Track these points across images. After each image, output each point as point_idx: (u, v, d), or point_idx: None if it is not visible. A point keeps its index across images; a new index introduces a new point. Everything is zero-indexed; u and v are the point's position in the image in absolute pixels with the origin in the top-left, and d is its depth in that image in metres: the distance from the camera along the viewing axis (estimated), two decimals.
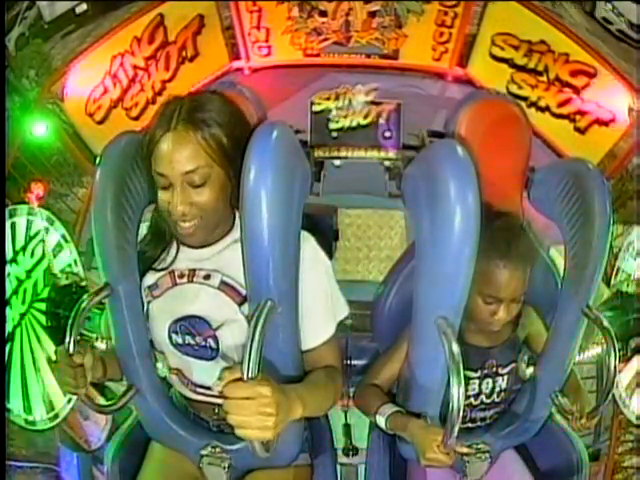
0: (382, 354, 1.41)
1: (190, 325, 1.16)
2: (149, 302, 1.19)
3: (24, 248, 2.42)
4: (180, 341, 1.18)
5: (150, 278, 1.19)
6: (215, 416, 1.23)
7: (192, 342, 1.17)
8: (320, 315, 1.15)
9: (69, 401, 2.30)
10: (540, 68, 3.33)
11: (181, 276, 1.17)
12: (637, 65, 3.04)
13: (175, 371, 1.22)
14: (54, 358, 1.09)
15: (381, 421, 1.23)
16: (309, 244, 1.13)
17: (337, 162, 2.79)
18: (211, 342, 1.15)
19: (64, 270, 2.38)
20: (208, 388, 1.20)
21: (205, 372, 1.18)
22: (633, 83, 3.06)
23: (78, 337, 1.10)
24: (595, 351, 2.05)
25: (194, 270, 1.16)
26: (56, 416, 2.35)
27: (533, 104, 3.34)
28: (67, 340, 1.08)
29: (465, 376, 1.21)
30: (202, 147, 1.05)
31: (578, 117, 3.28)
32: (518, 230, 1.27)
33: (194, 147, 1.04)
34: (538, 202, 1.45)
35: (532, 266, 1.26)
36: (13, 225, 2.42)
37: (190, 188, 1.06)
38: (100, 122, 3.20)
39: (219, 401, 1.15)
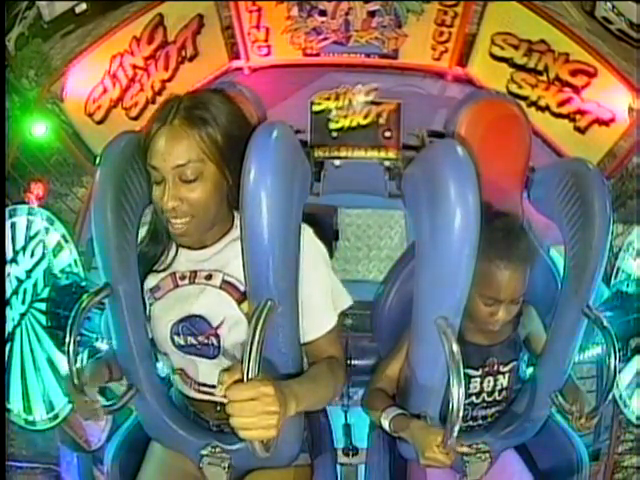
0: (385, 356, 1.41)
1: (191, 325, 1.16)
2: (151, 304, 1.19)
3: (24, 248, 2.42)
4: (182, 342, 1.18)
5: (152, 280, 1.19)
6: (217, 414, 1.23)
7: (194, 342, 1.17)
8: (321, 307, 1.15)
9: (69, 401, 2.30)
10: (540, 67, 3.32)
11: (182, 278, 1.17)
12: (637, 65, 3.03)
13: (179, 371, 1.22)
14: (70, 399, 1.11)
15: (385, 424, 1.24)
16: (307, 235, 1.13)
17: (337, 162, 2.78)
18: (213, 340, 1.15)
19: (64, 270, 2.38)
20: (211, 387, 1.20)
21: (208, 371, 1.18)
22: (633, 83, 3.05)
23: (78, 337, 1.10)
24: (595, 351, 2.04)
25: (195, 272, 1.16)
26: (56, 416, 2.35)
27: (533, 104, 3.33)
28: (67, 340, 1.09)
29: (466, 374, 1.22)
30: (196, 143, 1.05)
31: (578, 117, 3.27)
32: (518, 231, 1.27)
33: (188, 142, 1.04)
34: (538, 202, 1.45)
35: (532, 267, 1.26)
36: (13, 225, 2.42)
37: (182, 183, 1.06)
38: (100, 122, 3.19)
39: (222, 400, 1.16)
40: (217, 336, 1.15)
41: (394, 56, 3.62)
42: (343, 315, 1.21)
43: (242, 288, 1.12)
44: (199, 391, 1.22)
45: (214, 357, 1.17)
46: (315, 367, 1.13)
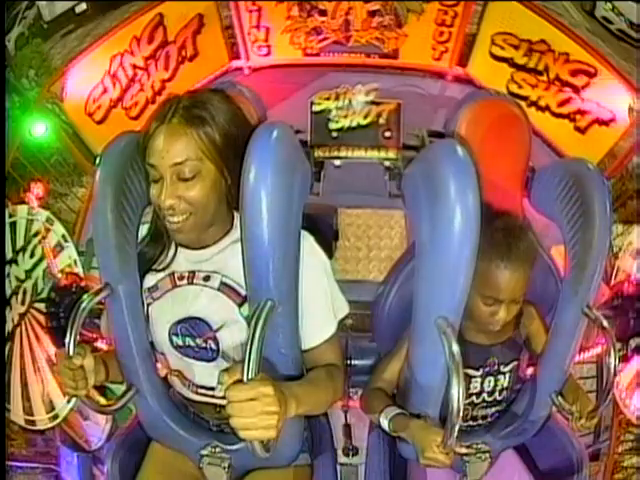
0: (384, 356, 1.41)
1: (190, 327, 1.16)
2: (149, 304, 1.19)
3: (24, 248, 2.42)
4: (180, 343, 1.17)
5: (150, 280, 1.19)
6: (217, 415, 1.23)
7: (192, 344, 1.17)
8: (320, 314, 1.15)
9: (69, 401, 2.31)
10: (540, 67, 3.32)
11: (181, 278, 1.17)
12: (637, 65, 3.03)
13: (176, 372, 1.22)
14: (55, 360, 1.09)
15: (384, 423, 1.23)
16: (307, 243, 1.13)
17: (337, 162, 2.78)
18: (211, 344, 1.15)
19: (64, 270, 2.38)
20: (209, 389, 1.20)
21: (206, 373, 1.18)
22: (633, 83, 3.05)
23: (78, 337, 1.10)
24: (595, 351, 2.05)
25: (194, 272, 1.16)
26: (56, 416, 2.35)
27: (533, 103, 3.33)
28: (67, 340, 1.09)
29: (467, 374, 1.22)
30: (194, 141, 1.05)
31: (578, 117, 3.27)
32: (518, 230, 1.27)
33: (186, 140, 1.05)
34: (538, 202, 1.45)
35: (532, 266, 1.26)
36: (13, 225, 2.42)
37: (179, 182, 1.06)
38: (100, 122, 3.19)
39: (221, 402, 1.16)
40: (216, 339, 1.15)
41: (394, 56, 3.62)
42: (342, 318, 1.21)
43: (241, 291, 1.12)
44: (197, 393, 1.22)
45: (212, 360, 1.17)
46: (315, 371, 1.13)
